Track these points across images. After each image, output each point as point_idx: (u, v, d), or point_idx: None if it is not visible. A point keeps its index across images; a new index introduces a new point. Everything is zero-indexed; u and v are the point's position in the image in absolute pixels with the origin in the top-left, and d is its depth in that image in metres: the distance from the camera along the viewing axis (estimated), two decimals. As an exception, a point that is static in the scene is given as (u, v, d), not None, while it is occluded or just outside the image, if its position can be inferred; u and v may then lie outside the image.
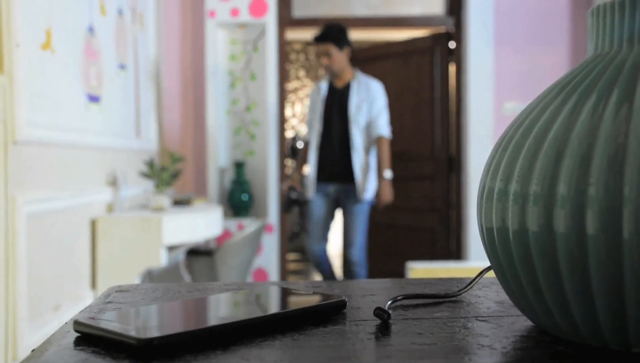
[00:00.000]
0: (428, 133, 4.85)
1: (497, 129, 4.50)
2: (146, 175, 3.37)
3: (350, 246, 4.04)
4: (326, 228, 4.13)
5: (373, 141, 3.92)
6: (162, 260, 3.09)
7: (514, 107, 4.52)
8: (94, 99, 3.07)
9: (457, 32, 4.66)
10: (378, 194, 3.91)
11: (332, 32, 3.82)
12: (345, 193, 3.99)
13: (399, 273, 4.85)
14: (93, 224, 3.05)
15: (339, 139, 3.94)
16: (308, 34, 8.99)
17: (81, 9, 2.93)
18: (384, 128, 3.91)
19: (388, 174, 3.89)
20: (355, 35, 8.97)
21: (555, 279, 0.46)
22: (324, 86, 4.02)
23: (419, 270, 2.73)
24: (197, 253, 3.99)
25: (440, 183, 4.83)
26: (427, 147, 4.87)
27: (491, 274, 1.22)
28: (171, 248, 3.59)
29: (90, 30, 3.04)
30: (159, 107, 4.32)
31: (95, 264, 3.06)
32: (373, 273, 5.27)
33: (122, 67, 3.55)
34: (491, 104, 4.51)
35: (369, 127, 3.92)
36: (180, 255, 3.94)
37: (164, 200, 3.32)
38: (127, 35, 3.66)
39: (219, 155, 4.66)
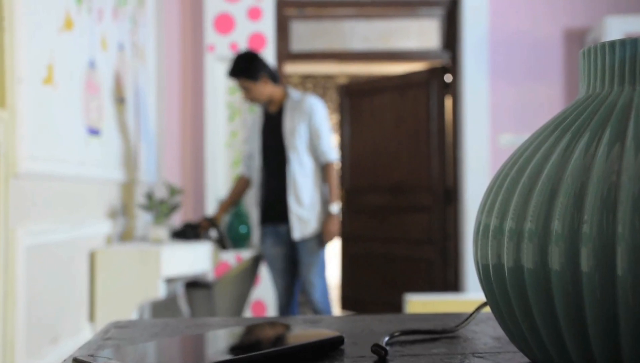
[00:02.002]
0: (425, 165, 4.87)
1: (493, 161, 4.52)
2: (145, 207, 3.37)
3: (310, 288, 3.47)
4: (291, 279, 3.56)
5: (322, 168, 3.45)
6: (160, 292, 3.07)
7: (510, 140, 4.55)
8: (94, 132, 3.08)
9: (453, 65, 4.70)
10: (323, 229, 3.41)
11: (241, 66, 3.36)
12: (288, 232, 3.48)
13: (396, 304, 4.83)
14: (92, 256, 3.04)
15: (279, 171, 3.43)
16: (306, 67, 9.06)
17: (83, 44, 2.96)
18: (328, 153, 3.42)
19: (335, 208, 3.41)
20: (352, 68, 9.06)
21: (550, 316, 0.46)
22: (259, 114, 3.57)
23: (417, 302, 2.72)
24: (196, 285, 3.97)
25: (437, 214, 4.83)
26: (423, 179, 4.88)
27: (488, 309, 1.21)
28: (169, 280, 3.58)
29: (92, 65, 3.07)
30: (158, 139, 4.34)
31: (93, 296, 3.05)
32: (370, 305, 5.24)
33: (122, 100, 3.57)
34: (487, 137, 4.53)
35: (313, 151, 3.44)
36: (179, 287, 3.92)
37: (163, 232, 3.31)
38: (128, 69, 3.69)
39: (218, 187, 4.67)
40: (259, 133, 3.49)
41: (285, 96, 3.47)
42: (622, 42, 0.49)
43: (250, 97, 3.40)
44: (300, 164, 3.37)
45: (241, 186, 3.64)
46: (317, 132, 3.40)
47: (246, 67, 3.34)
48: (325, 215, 3.41)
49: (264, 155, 3.48)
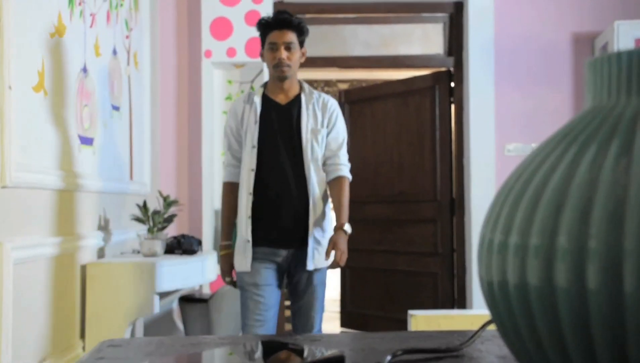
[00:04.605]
0: (429, 174, 4.87)
1: (500, 170, 4.52)
2: (139, 219, 3.37)
3: (310, 331, 2.90)
4: (276, 316, 2.88)
5: (328, 183, 2.89)
6: (154, 307, 3.07)
7: (517, 148, 4.55)
8: (86, 141, 3.09)
9: (458, 72, 4.71)
10: (333, 247, 2.76)
11: (295, 21, 2.82)
12: (297, 260, 2.83)
13: (400, 320, 4.82)
14: (83, 270, 3.04)
15: (287, 180, 2.80)
16: (306, 74, 9.07)
17: (75, 49, 2.97)
18: (347, 166, 2.92)
19: (349, 227, 2.83)
20: (353, 74, 9.08)
21: (557, 334, 0.47)
22: (256, 100, 2.85)
23: (421, 318, 2.71)
24: (191, 300, 3.96)
25: (442, 226, 4.83)
26: (428, 189, 4.88)
27: (494, 326, 1.21)
28: (164, 295, 3.57)
29: (84, 71, 3.08)
30: (153, 149, 4.35)
31: (84, 312, 3.04)
32: (372, 321, 5.23)
33: (116, 108, 3.58)
34: (493, 145, 4.54)
35: (324, 162, 2.89)
36: (174, 302, 3.91)
37: (157, 245, 3.31)
38: (122, 76, 3.70)
39: (215, 198, 4.67)
40: (255, 126, 2.81)
41: (300, 87, 2.91)
42: (629, 53, 0.50)
43: (289, 61, 2.79)
44: (318, 175, 2.84)
45: (235, 197, 2.90)
46: (337, 139, 2.89)
47: (300, 24, 2.83)
48: (338, 235, 2.78)
49: (265, 156, 2.80)
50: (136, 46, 4.01)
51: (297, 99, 2.87)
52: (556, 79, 4.60)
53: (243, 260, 2.81)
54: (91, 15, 3.18)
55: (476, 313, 3.08)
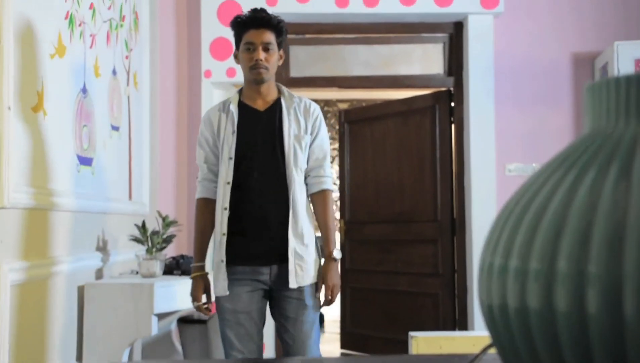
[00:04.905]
0: (430, 194, 4.87)
1: (501, 190, 4.52)
2: (137, 240, 3.37)
3: (303, 349, 2.56)
4: (260, 342, 2.63)
5: (312, 197, 2.67)
6: (153, 328, 3.06)
7: (517, 168, 4.56)
8: (85, 161, 3.10)
9: (458, 92, 4.73)
10: (323, 281, 2.59)
11: (274, 20, 2.60)
12: (280, 278, 2.55)
13: (400, 341, 4.80)
14: (81, 291, 3.03)
15: (266, 192, 2.56)
16: (306, 94, 9.09)
17: (74, 70, 2.99)
18: (330, 177, 2.70)
19: (339, 253, 2.63)
20: (354, 95, 9.11)
21: (557, 357, 0.47)
22: (232, 108, 2.62)
23: (422, 339, 2.70)
24: (190, 321, 3.95)
25: (443, 246, 4.82)
26: (429, 209, 4.88)
27: (495, 349, 1.21)
28: (162, 316, 3.56)
29: (84, 91, 3.09)
30: (152, 169, 4.36)
31: (82, 334, 3.03)
32: (373, 342, 5.21)
33: (116, 128, 3.59)
34: (493, 165, 4.54)
35: (307, 174, 2.65)
36: (172, 323, 3.90)
37: (156, 266, 3.31)
38: (121, 96, 3.71)
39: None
40: (232, 137, 2.57)
41: (278, 90, 2.68)
42: (627, 78, 0.50)
43: (267, 62, 2.56)
44: (300, 185, 2.59)
45: (210, 213, 2.63)
46: (323, 147, 2.67)
47: (278, 23, 2.61)
48: (328, 261, 2.61)
49: (243, 167, 2.56)
50: (136, 66, 4.03)
51: (276, 104, 2.64)
52: (556, 99, 4.62)
53: (218, 282, 2.53)
54: (91, 36, 3.21)
55: (478, 334, 3.07)
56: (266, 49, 2.56)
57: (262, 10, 2.62)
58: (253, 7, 2.68)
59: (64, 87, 2.86)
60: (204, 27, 4.52)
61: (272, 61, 2.58)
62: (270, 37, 2.57)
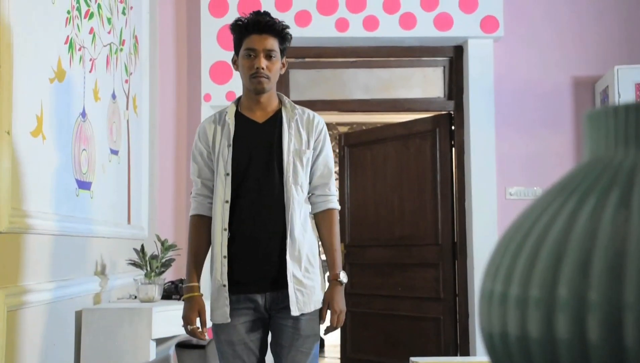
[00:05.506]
0: (431, 218, 4.87)
1: (502, 214, 4.52)
2: (136, 264, 3.36)
3: None
4: None
5: (317, 216, 2.51)
6: (151, 354, 3.04)
7: (518, 192, 4.56)
8: (84, 185, 3.10)
9: (458, 115, 4.75)
10: (329, 306, 2.42)
11: (279, 25, 2.42)
12: (276, 306, 2.40)
13: (402, 367, 4.77)
14: (78, 316, 3.02)
15: (264, 211, 2.39)
16: (305, 116, 9.07)
17: (74, 94, 3.00)
18: (336, 196, 2.54)
19: (345, 276, 2.46)
20: (354, 118, 9.14)
21: (559, 387, 0.47)
22: (229, 120, 2.45)
23: (423, 365, 2.68)
24: (188, 347, 3.93)
25: (444, 270, 4.81)
26: (429, 232, 4.87)
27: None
28: (160, 341, 3.54)
29: (83, 115, 3.11)
30: (151, 193, 4.36)
31: (79, 359, 3.01)
32: (374, 368, 5.17)
33: (115, 152, 3.60)
34: (494, 189, 4.55)
35: (312, 192, 2.50)
36: (171, 349, 3.88)
37: (154, 290, 3.30)
38: (121, 120, 3.73)
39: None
40: (228, 150, 2.41)
41: (280, 102, 2.51)
42: (626, 107, 0.51)
43: (269, 71, 2.38)
44: (300, 204, 2.41)
45: (204, 232, 2.49)
46: (328, 164, 2.50)
47: (283, 30, 2.43)
48: (332, 285, 2.44)
49: (240, 184, 2.40)
50: (135, 90, 4.05)
51: (276, 116, 2.45)
52: (557, 122, 4.63)
53: (218, 309, 2.39)
54: (91, 60, 3.23)
55: (480, 360, 3.06)
56: (268, 56, 2.38)
57: (266, 14, 2.43)
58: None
59: (63, 112, 2.87)
60: (204, 51, 4.55)
61: (274, 69, 2.40)
62: (273, 43, 2.39)
